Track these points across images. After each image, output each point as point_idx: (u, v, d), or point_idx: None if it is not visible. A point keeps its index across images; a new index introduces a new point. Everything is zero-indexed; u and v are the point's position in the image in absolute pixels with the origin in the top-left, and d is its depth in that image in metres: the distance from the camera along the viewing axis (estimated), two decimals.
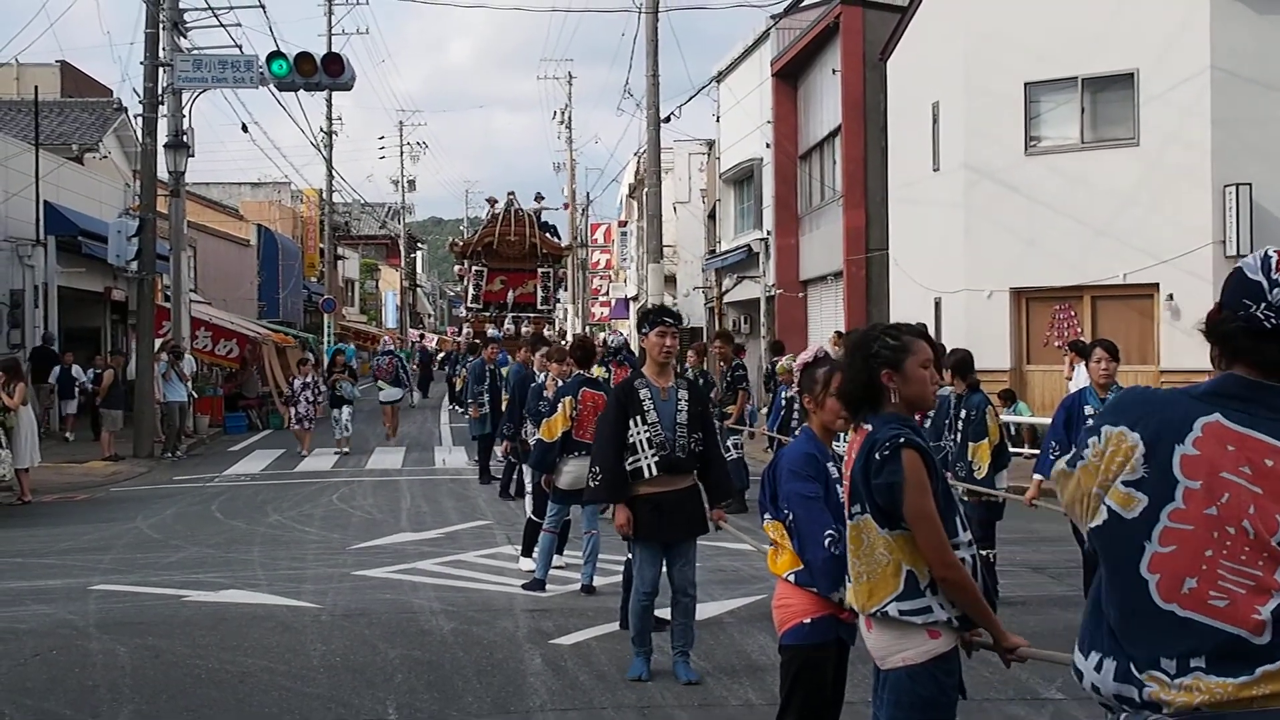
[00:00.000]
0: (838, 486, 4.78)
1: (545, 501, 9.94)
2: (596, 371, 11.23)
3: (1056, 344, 18.81)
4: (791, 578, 4.77)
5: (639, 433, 6.86)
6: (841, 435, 5.00)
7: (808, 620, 4.70)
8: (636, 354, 21.56)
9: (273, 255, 43.82)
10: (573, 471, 9.17)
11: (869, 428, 3.96)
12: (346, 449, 21.60)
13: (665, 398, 6.95)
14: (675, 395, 6.98)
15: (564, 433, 9.14)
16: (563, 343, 15.61)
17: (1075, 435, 8.21)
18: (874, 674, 4.01)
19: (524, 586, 9.53)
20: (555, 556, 10.16)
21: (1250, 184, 16.85)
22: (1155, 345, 17.89)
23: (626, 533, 6.94)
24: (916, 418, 4.19)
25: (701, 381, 15.80)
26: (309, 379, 21.98)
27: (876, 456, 3.80)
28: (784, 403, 13.39)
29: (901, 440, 3.78)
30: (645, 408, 6.88)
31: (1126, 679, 2.53)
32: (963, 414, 8.77)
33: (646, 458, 6.84)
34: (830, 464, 4.86)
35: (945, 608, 3.78)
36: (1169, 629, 2.47)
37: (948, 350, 9.01)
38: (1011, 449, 10.59)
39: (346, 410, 21.76)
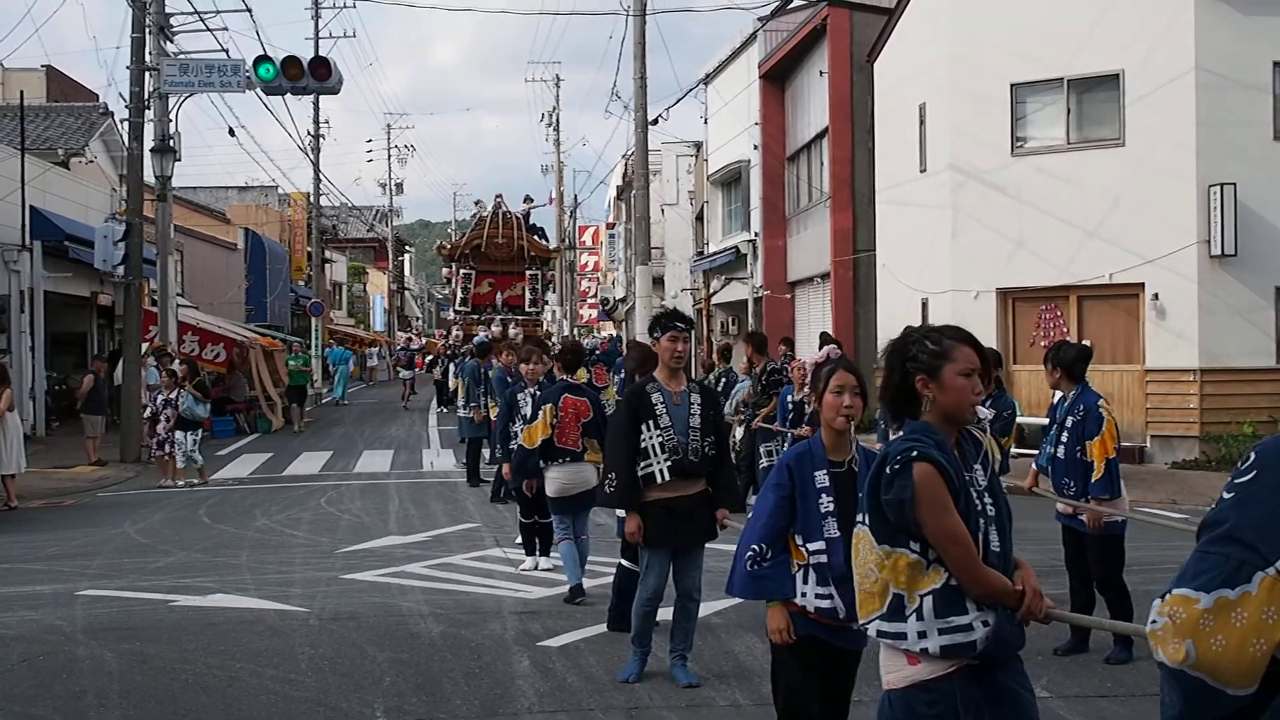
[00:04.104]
0: (824, 495, 4.78)
1: (529, 505, 10.09)
2: (580, 375, 11.22)
3: (1043, 344, 18.85)
4: None
5: (651, 437, 6.79)
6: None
7: None
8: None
9: (260, 259, 43.77)
10: (558, 479, 9.16)
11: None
12: (180, 481, 18.03)
13: (678, 401, 6.89)
14: (688, 399, 6.92)
15: (544, 440, 9.13)
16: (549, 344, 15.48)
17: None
18: None
19: (565, 601, 9.16)
20: (543, 560, 10.29)
21: (1235, 184, 16.94)
22: (1141, 345, 17.95)
23: (637, 539, 6.89)
24: None
25: (724, 381, 15.68)
26: (172, 395, 18.16)
27: (887, 470, 3.50)
28: (790, 406, 13.12)
29: (914, 454, 3.45)
30: (658, 412, 6.82)
31: None
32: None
33: (659, 462, 6.78)
34: (823, 471, 4.82)
35: (924, 637, 3.47)
36: None
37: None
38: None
39: (186, 436, 17.96)
